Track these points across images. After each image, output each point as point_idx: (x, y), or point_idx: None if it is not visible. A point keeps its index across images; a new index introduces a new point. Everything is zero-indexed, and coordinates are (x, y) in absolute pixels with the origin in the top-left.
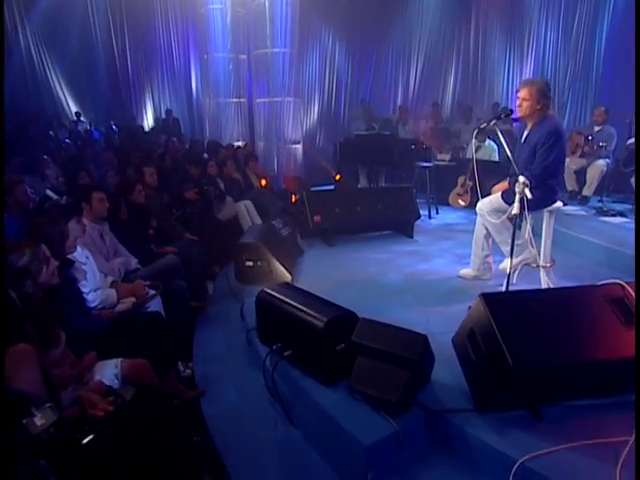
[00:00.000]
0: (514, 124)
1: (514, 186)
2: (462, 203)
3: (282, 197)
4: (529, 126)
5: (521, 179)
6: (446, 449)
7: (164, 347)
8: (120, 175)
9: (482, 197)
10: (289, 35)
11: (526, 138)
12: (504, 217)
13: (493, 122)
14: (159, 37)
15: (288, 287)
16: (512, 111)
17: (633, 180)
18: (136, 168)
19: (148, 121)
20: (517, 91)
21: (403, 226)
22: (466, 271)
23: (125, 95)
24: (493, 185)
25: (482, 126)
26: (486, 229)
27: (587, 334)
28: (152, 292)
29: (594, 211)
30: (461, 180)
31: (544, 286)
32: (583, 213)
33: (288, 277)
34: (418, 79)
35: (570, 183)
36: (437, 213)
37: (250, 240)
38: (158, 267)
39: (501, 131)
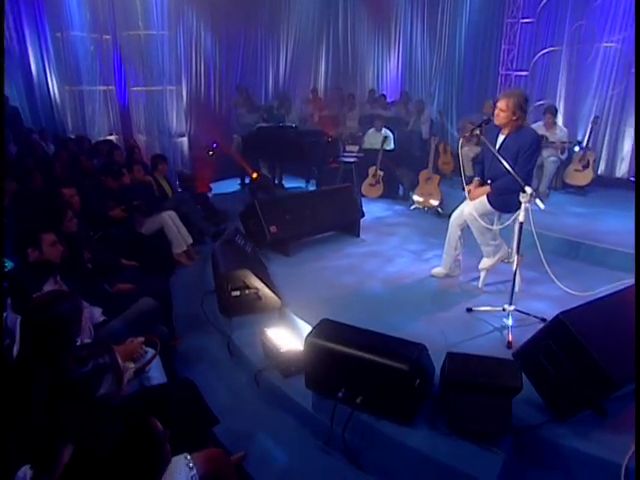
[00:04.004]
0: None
1: (503, 192)
2: (375, 193)
3: (198, 201)
4: (504, 133)
5: (528, 190)
6: (538, 465)
7: (197, 418)
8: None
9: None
10: (166, 16)
11: (502, 145)
12: (500, 222)
13: (477, 131)
14: None
15: (333, 327)
16: (490, 119)
17: None
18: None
19: None
20: (496, 101)
21: (349, 226)
22: (438, 270)
23: None
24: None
25: (466, 134)
26: (461, 231)
27: None
28: (150, 351)
29: None
30: (372, 171)
31: (518, 279)
32: None
33: (278, 302)
34: (289, 64)
35: (468, 169)
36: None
37: (235, 269)
38: (133, 315)
39: (482, 135)
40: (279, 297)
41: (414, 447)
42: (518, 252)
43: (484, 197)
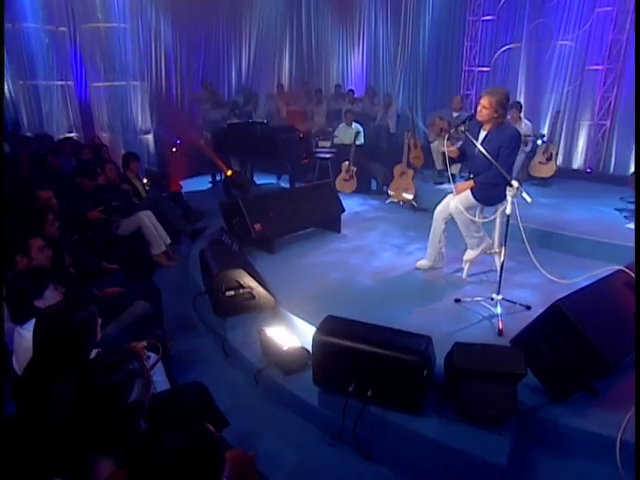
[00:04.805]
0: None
1: (487, 186)
2: (349, 188)
3: (173, 200)
4: (486, 129)
5: (515, 184)
6: (539, 444)
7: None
8: None
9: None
10: (128, 8)
11: (484, 140)
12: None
13: (462, 129)
14: None
15: (339, 323)
16: (474, 115)
17: None
18: None
19: None
20: (480, 97)
21: (331, 222)
22: (423, 263)
23: None
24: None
25: (452, 131)
26: (445, 224)
27: (630, 312)
28: (153, 356)
29: None
30: (345, 166)
31: (499, 269)
32: None
33: (272, 300)
34: (252, 59)
35: (438, 163)
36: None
37: (229, 269)
38: (129, 319)
39: (467, 131)
40: (273, 296)
41: (425, 435)
42: (505, 244)
43: (468, 191)
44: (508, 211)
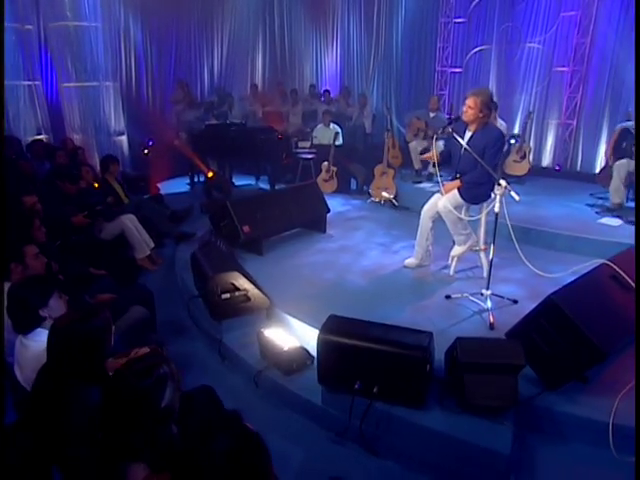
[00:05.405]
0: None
1: (473, 185)
2: (330, 188)
3: (157, 203)
4: (471, 129)
5: (503, 183)
6: (536, 431)
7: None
8: None
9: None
10: (99, 6)
11: (469, 141)
12: (463, 211)
13: (449, 129)
14: None
15: (342, 322)
16: (459, 117)
17: None
18: None
19: None
20: (465, 98)
21: (316, 222)
22: (410, 261)
23: None
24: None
25: (439, 132)
26: (432, 222)
27: (618, 303)
28: None
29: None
30: (325, 166)
31: (484, 265)
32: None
33: (267, 302)
34: (225, 59)
35: (416, 162)
36: None
37: (224, 271)
38: (126, 325)
39: (454, 132)
40: (267, 297)
41: (431, 427)
42: (494, 241)
43: (456, 190)
44: (497, 209)
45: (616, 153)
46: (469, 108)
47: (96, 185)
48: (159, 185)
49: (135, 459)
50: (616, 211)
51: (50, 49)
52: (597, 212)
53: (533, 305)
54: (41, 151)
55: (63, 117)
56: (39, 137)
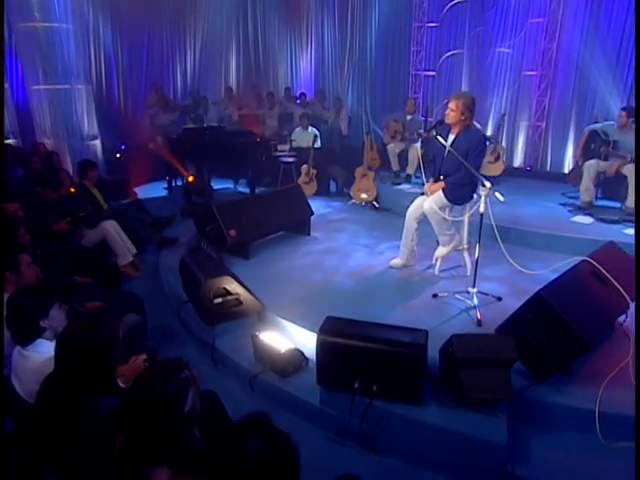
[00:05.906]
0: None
1: (456, 187)
2: (310, 191)
3: (138, 208)
4: (454, 132)
5: (487, 184)
6: (527, 422)
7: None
8: None
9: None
10: (69, 7)
11: (452, 143)
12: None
13: (433, 133)
14: None
15: (340, 323)
16: (443, 120)
17: None
18: None
19: None
20: (448, 101)
21: (300, 225)
22: (396, 261)
23: None
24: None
25: (424, 135)
26: (417, 224)
27: (599, 297)
28: None
29: (419, 187)
30: (304, 169)
31: (467, 264)
32: (416, 190)
33: (259, 305)
34: (198, 62)
35: (394, 164)
36: None
37: (216, 276)
38: (122, 333)
39: (438, 135)
40: (259, 301)
41: (429, 422)
42: (480, 241)
43: (440, 192)
44: (482, 209)
45: (585, 154)
46: (451, 111)
47: (72, 190)
48: (136, 190)
49: (158, 463)
50: (587, 209)
51: (17, 51)
52: (569, 210)
53: (516, 302)
54: (10, 156)
55: (32, 120)
56: (8, 141)
